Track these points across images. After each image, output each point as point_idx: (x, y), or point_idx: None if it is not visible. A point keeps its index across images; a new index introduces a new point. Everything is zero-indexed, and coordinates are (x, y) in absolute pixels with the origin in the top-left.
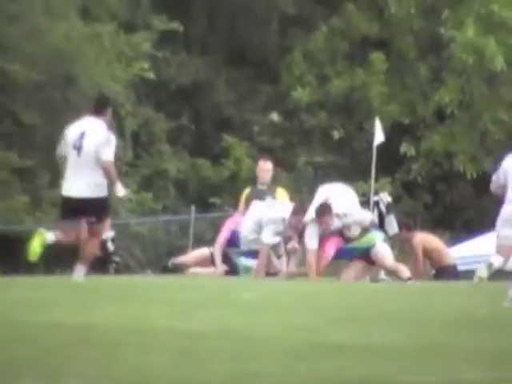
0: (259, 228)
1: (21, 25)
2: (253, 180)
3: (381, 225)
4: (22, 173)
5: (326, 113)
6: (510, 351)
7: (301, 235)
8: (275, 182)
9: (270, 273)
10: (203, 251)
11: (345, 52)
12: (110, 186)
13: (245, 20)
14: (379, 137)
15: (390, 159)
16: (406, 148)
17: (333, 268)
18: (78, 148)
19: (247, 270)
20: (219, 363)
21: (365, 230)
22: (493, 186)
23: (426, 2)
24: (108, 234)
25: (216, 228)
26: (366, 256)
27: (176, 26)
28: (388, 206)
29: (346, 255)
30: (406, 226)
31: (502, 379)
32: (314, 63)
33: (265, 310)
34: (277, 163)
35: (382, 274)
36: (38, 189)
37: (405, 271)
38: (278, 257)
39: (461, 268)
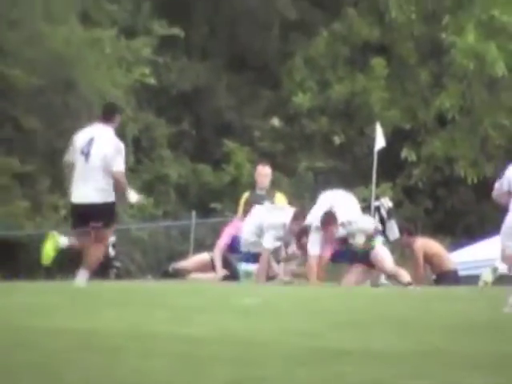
0: (260, 231)
1: (21, 30)
2: (253, 185)
3: (382, 230)
4: (22, 178)
5: (327, 118)
6: (510, 357)
7: (300, 239)
8: (274, 186)
9: (269, 276)
10: (203, 256)
11: (346, 57)
12: (122, 195)
13: (246, 25)
14: (380, 142)
15: (390, 164)
16: (406, 153)
17: (333, 273)
18: (86, 154)
19: (248, 274)
20: (219, 368)
21: (369, 238)
22: (495, 193)
23: (426, 8)
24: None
25: (217, 233)
26: (366, 259)
27: (177, 31)
28: (389, 211)
29: (345, 258)
30: (407, 231)
31: None
32: (314, 68)
33: (265, 314)
34: (278, 168)
35: (383, 279)
36: (38, 194)
37: (405, 275)
38: (278, 262)
39: (461, 273)
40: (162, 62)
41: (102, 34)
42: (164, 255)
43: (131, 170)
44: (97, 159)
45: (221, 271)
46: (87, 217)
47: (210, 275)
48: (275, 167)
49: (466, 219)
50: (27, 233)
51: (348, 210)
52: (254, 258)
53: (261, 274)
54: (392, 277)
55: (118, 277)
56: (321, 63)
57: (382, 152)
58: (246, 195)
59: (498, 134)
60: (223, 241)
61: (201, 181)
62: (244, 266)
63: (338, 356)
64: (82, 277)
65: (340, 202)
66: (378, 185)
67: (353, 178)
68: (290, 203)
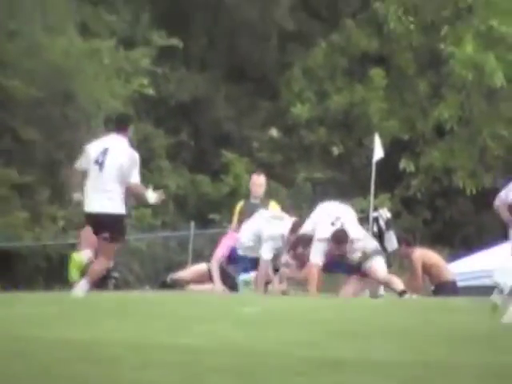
0: (257, 238)
1: (20, 41)
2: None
3: (380, 241)
4: (21, 189)
5: (326, 129)
6: (510, 367)
7: (295, 249)
8: (271, 196)
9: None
10: (201, 267)
11: (344, 68)
12: (141, 199)
13: (244, 36)
14: (378, 153)
15: (389, 175)
16: (405, 164)
17: (331, 284)
18: (101, 163)
19: (246, 283)
20: (219, 378)
21: (365, 256)
22: (497, 202)
23: (425, 18)
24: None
25: (215, 244)
26: (359, 269)
27: (175, 41)
28: (387, 222)
29: (340, 268)
30: (406, 241)
31: None
32: (313, 79)
33: (264, 325)
34: (276, 179)
35: (382, 290)
36: (37, 205)
37: (398, 283)
38: (276, 270)
39: (460, 284)
40: (160, 72)
41: (101, 44)
42: (162, 266)
43: None
44: (112, 169)
45: (218, 283)
46: (98, 226)
47: (207, 287)
48: (273, 178)
49: (465, 230)
50: (26, 244)
51: (353, 226)
52: (251, 263)
53: (260, 284)
54: (385, 285)
55: (117, 287)
56: (319, 74)
57: (380, 163)
58: (240, 204)
59: (497, 145)
60: (221, 252)
61: (199, 191)
62: (243, 276)
63: (337, 366)
64: (81, 288)
65: (346, 217)
66: (376, 195)
67: (351, 189)
68: (288, 213)
